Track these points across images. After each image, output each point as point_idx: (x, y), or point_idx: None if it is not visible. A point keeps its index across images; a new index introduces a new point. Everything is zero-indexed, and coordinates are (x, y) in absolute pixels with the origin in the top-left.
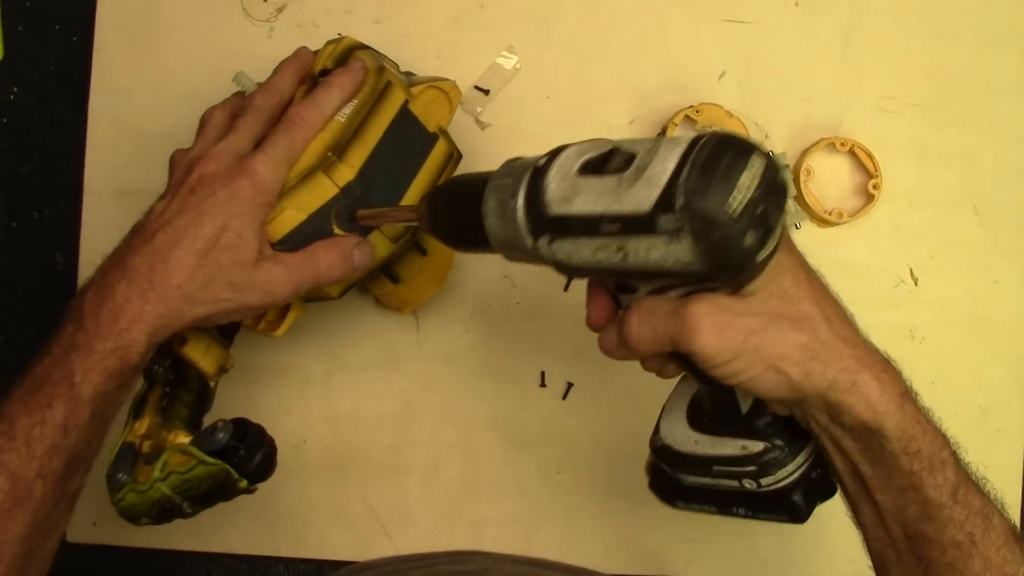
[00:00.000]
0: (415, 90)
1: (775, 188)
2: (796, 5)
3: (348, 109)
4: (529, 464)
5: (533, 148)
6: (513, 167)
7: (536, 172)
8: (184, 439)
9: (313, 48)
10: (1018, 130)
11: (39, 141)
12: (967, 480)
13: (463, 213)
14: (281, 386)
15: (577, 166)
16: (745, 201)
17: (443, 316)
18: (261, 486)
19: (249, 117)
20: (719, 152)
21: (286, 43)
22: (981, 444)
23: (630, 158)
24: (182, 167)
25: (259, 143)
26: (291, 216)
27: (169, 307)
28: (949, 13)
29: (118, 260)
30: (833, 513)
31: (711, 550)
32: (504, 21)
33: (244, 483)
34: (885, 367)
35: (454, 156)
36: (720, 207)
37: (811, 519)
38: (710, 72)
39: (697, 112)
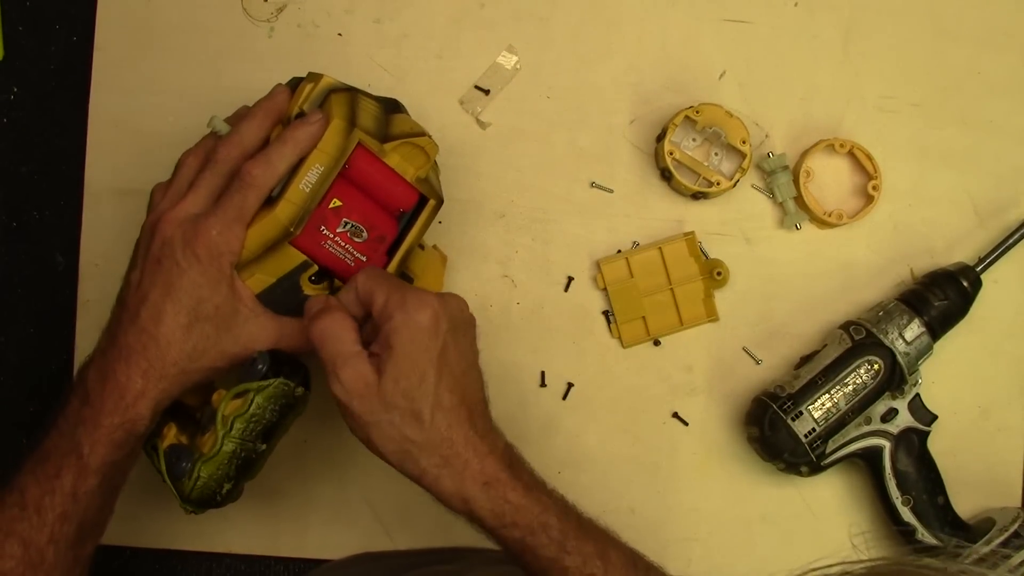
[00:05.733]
0: (388, 146)
1: None
2: (795, 5)
3: (313, 178)
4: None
5: (533, 148)
6: None
7: None
8: (224, 392)
9: (312, 49)
10: (1018, 130)
11: (39, 141)
12: (575, 531)
13: None
14: None
15: None
16: None
17: None
18: (261, 485)
19: (208, 173)
20: None
21: (286, 43)
22: (981, 444)
23: None
24: (147, 229)
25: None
26: (261, 280)
27: (170, 382)
28: (949, 13)
29: (112, 338)
30: (834, 512)
31: (711, 550)
32: (504, 21)
33: (301, 390)
34: (471, 460)
35: (432, 203)
36: None
37: (812, 519)
38: (710, 72)
39: (697, 112)
